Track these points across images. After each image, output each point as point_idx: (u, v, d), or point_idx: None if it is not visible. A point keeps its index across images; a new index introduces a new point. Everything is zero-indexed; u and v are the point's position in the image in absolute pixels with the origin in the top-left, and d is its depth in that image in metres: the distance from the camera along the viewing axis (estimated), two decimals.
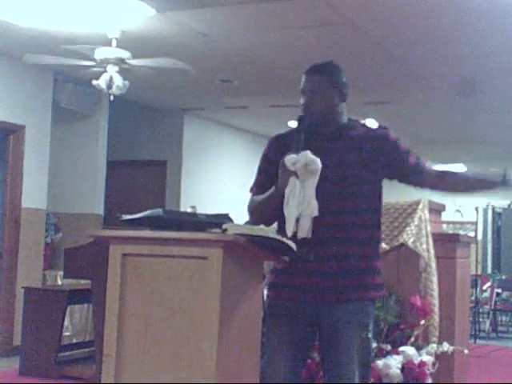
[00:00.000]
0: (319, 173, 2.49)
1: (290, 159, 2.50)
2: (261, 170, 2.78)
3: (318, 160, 2.49)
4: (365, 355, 2.63)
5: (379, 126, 2.83)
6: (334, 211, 2.60)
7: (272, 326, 2.65)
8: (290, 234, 2.47)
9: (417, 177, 2.75)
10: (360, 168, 2.64)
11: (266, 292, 2.75)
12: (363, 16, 5.28)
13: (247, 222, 2.70)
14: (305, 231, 2.49)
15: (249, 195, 2.81)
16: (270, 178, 2.63)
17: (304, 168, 2.48)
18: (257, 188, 2.75)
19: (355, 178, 2.63)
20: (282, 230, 2.57)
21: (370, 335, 2.66)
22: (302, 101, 2.72)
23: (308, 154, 2.50)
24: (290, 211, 2.48)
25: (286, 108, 8.60)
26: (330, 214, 2.58)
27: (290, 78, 7.17)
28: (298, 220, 2.48)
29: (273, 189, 2.61)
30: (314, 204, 2.49)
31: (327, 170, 2.54)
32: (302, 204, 2.48)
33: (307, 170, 2.48)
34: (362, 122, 2.82)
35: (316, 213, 2.49)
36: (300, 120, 2.66)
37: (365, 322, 2.63)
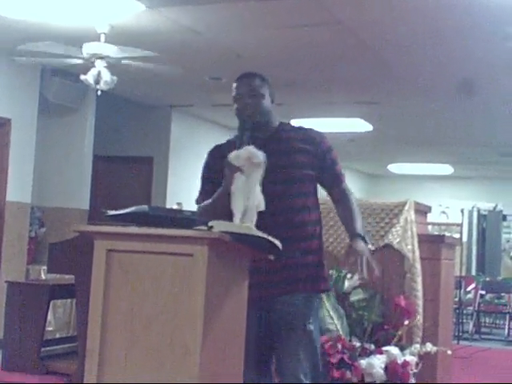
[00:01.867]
0: (263, 167, 2.55)
1: (233, 154, 2.57)
2: (204, 180, 2.91)
3: (261, 153, 2.55)
4: (309, 346, 2.74)
5: (308, 129, 2.95)
6: (276, 211, 2.72)
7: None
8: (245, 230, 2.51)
9: (331, 191, 2.92)
10: (299, 168, 2.80)
11: None
12: (353, 17, 5.30)
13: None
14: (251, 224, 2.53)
15: None
16: (215, 186, 2.73)
17: (248, 161, 2.53)
18: (203, 197, 2.85)
19: (294, 178, 2.79)
20: None
21: (312, 327, 2.76)
22: (236, 106, 2.87)
23: (250, 147, 2.57)
24: (236, 205, 2.51)
25: (275, 107, 8.60)
26: (272, 214, 2.67)
27: (279, 76, 7.18)
28: (245, 214, 2.50)
29: (220, 189, 2.69)
30: (260, 198, 2.54)
31: (268, 173, 2.62)
32: (247, 198, 2.51)
33: (251, 164, 2.53)
34: (292, 124, 2.98)
35: (263, 207, 2.54)
36: (243, 122, 2.77)
37: (306, 313, 2.75)
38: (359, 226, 2.83)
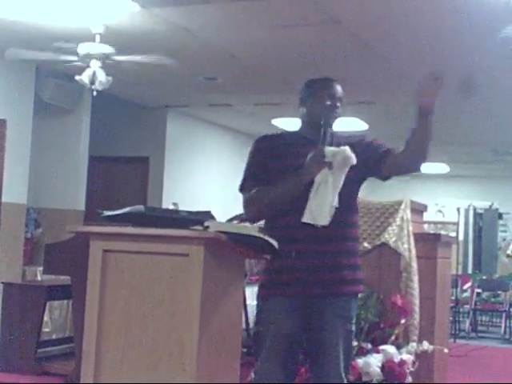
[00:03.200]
0: (347, 169, 2.65)
1: (330, 150, 2.64)
2: (255, 165, 2.82)
3: (354, 156, 2.64)
4: (348, 346, 2.79)
5: (357, 135, 2.98)
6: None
7: (266, 322, 2.70)
8: (324, 222, 2.61)
9: (391, 157, 2.81)
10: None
11: (257, 291, 2.80)
12: (350, 15, 5.29)
13: (230, 220, 2.72)
14: (327, 219, 2.62)
15: (232, 194, 2.84)
16: (266, 172, 2.74)
17: (342, 161, 2.63)
18: (254, 183, 2.78)
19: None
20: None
21: (353, 328, 2.81)
22: (331, 102, 2.85)
23: (347, 149, 2.66)
24: (323, 200, 2.61)
25: (270, 106, 8.60)
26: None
27: (275, 76, 7.19)
28: (322, 207, 2.61)
29: (293, 179, 2.68)
30: (336, 196, 2.65)
31: None
32: (331, 194, 2.62)
33: (344, 164, 2.63)
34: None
35: (337, 204, 2.64)
36: (325, 122, 2.77)
37: (349, 315, 2.78)
38: None
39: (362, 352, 3.97)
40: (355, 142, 2.85)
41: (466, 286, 10.30)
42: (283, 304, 2.70)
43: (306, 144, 2.75)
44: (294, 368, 2.83)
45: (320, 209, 2.61)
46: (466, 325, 9.54)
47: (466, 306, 9.88)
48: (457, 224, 12.46)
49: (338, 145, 2.76)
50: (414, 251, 4.34)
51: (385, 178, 2.89)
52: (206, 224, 2.24)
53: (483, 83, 7.00)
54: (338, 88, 2.88)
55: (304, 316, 2.72)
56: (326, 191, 2.62)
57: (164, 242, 2.24)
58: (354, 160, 2.63)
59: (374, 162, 2.80)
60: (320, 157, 2.63)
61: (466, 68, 6.55)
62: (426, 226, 10.33)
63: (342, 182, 2.65)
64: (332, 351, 2.72)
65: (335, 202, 2.64)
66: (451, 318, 8.19)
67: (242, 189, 2.81)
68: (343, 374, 2.74)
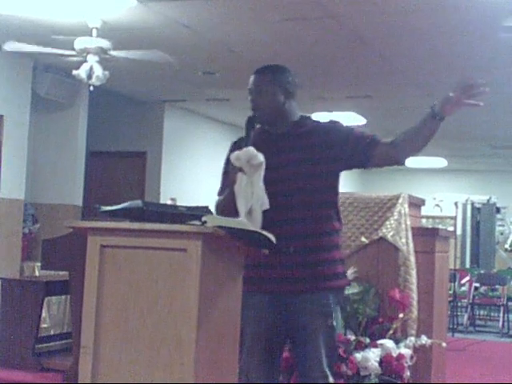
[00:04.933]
0: (263, 167, 2.55)
1: (234, 155, 2.59)
2: (223, 173, 2.85)
3: (260, 155, 2.56)
4: (330, 342, 2.73)
5: (330, 120, 2.88)
6: (286, 207, 2.69)
7: (246, 319, 2.67)
8: (249, 226, 2.50)
9: (379, 148, 2.73)
10: (310, 164, 2.72)
11: None
12: (346, 10, 5.28)
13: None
14: (257, 224, 2.54)
15: None
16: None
17: (247, 163, 2.55)
18: (220, 191, 2.83)
19: (305, 174, 2.72)
20: None
21: (335, 323, 2.75)
22: (249, 100, 2.82)
23: (250, 149, 2.58)
24: (240, 205, 2.54)
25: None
26: (283, 210, 2.66)
27: None
28: (250, 213, 2.52)
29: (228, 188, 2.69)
30: (264, 197, 2.55)
31: (278, 169, 2.64)
32: (250, 198, 2.53)
33: (251, 165, 2.55)
34: (315, 118, 2.88)
35: (267, 206, 2.55)
36: (249, 120, 2.74)
37: (328, 310, 2.72)
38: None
39: (361, 346, 3.97)
40: (329, 127, 2.79)
41: (463, 281, 10.31)
42: (262, 301, 2.70)
43: (266, 139, 2.75)
44: (277, 364, 2.82)
45: (242, 212, 2.54)
46: (464, 319, 9.56)
47: (463, 301, 9.90)
48: (455, 218, 12.49)
49: (306, 131, 2.75)
50: (411, 245, 4.34)
51: (369, 167, 2.82)
52: (203, 219, 2.24)
53: (481, 78, 6.99)
54: (251, 79, 2.83)
55: (282, 313, 2.71)
56: (239, 196, 2.55)
57: (162, 237, 2.23)
58: (259, 159, 2.55)
59: (359, 153, 2.73)
60: (230, 163, 2.61)
61: (462, 63, 6.55)
62: (423, 220, 10.34)
63: (260, 183, 2.55)
64: (313, 348, 2.70)
65: (263, 205, 2.55)
66: (449, 312, 8.21)
67: (218, 194, 2.85)
68: (327, 370, 2.71)
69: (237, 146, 2.78)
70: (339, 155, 2.73)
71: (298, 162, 2.73)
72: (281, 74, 2.85)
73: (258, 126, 2.79)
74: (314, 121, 2.85)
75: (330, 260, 2.75)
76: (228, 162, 2.76)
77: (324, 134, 2.77)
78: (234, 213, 2.57)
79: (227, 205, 2.66)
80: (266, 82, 2.79)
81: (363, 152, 2.72)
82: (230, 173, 2.62)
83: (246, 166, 2.55)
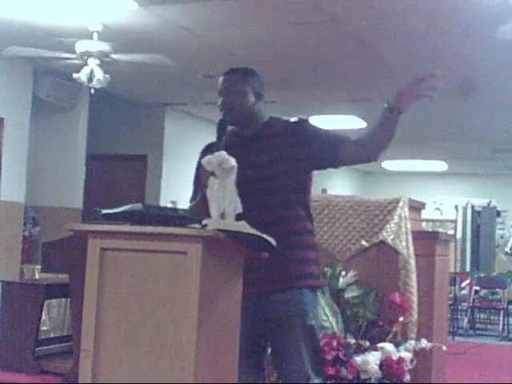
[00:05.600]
0: (235, 171, 2.53)
1: (205, 160, 2.57)
2: (194, 180, 2.86)
3: (232, 159, 2.53)
4: (311, 342, 2.70)
5: (299, 119, 2.88)
6: (257, 208, 2.68)
7: None
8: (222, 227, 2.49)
9: (347, 146, 2.73)
10: (279, 165, 2.73)
11: None
12: (346, 14, 5.29)
13: None
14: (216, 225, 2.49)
15: None
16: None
17: (219, 167, 2.53)
18: (192, 197, 2.84)
19: (274, 175, 2.73)
20: None
21: (313, 322, 2.72)
22: (218, 102, 2.82)
23: (221, 153, 2.56)
24: (213, 210, 2.51)
25: (268, 104, 8.57)
26: (253, 211, 2.63)
27: (273, 74, 7.17)
28: (223, 218, 2.50)
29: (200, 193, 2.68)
30: (237, 200, 2.53)
31: (247, 171, 2.62)
32: (223, 202, 2.51)
33: (222, 169, 2.53)
34: (285, 118, 2.90)
35: (240, 209, 2.52)
36: (220, 123, 2.74)
37: (304, 309, 2.69)
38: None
39: (361, 350, 3.97)
40: (296, 126, 2.80)
41: (464, 284, 10.31)
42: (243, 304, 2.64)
43: (236, 141, 2.75)
44: (262, 369, 2.80)
45: (215, 217, 2.50)
46: (464, 322, 9.56)
47: (464, 304, 9.90)
48: (455, 222, 12.48)
49: (275, 131, 2.75)
50: (412, 249, 4.34)
51: (339, 166, 2.81)
52: (204, 222, 2.24)
53: (480, 81, 7.01)
54: (221, 80, 2.83)
55: (260, 317, 2.69)
56: (212, 200, 2.52)
57: (162, 240, 2.23)
58: (230, 162, 2.53)
59: (326, 152, 2.73)
60: (202, 168, 2.59)
61: (462, 65, 6.56)
62: (424, 223, 10.33)
63: (233, 187, 2.52)
64: (293, 349, 2.67)
65: (236, 209, 2.51)
66: (449, 316, 8.20)
67: (190, 201, 2.86)
68: (310, 371, 2.67)
69: (208, 150, 2.76)
70: (307, 154, 2.73)
71: (268, 162, 2.74)
72: (251, 75, 2.86)
73: (228, 128, 2.78)
74: (284, 121, 2.87)
75: (302, 259, 2.75)
76: (199, 167, 2.75)
77: (291, 133, 2.78)
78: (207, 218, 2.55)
79: (200, 210, 2.64)
80: (237, 83, 2.80)
81: (330, 151, 2.73)
82: (201, 177, 2.61)
83: (218, 169, 2.53)
